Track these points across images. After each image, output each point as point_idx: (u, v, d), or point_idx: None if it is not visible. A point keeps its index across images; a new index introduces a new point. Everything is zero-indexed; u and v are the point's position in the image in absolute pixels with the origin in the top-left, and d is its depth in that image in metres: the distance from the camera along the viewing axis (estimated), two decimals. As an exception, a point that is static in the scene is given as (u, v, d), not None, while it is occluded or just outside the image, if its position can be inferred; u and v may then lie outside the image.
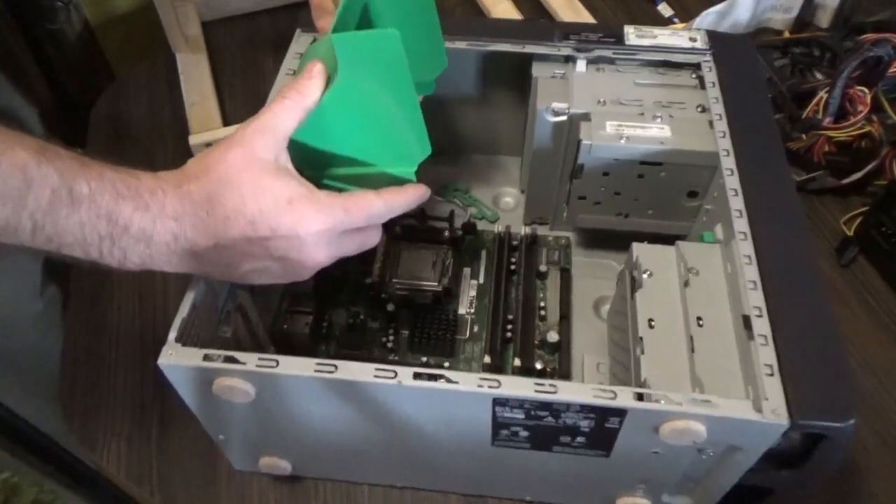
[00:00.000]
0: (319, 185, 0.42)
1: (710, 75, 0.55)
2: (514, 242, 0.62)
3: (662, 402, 0.37)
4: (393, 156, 0.45)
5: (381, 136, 0.45)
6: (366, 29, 0.47)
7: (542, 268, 0.60)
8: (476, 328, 0.57)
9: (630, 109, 0.55)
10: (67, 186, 0.35)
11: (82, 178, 0.36)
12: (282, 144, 0.41)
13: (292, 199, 0.39)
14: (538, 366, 0.54)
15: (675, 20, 0.87)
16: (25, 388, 0.74)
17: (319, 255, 0.41)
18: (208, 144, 0.71)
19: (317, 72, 0.42)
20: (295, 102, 0.41)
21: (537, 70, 0.58)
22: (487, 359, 0.53)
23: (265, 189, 0.39)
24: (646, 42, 0.58)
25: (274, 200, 0.39)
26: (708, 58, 0.57)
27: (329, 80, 0.42)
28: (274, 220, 0.39)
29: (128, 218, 0.37)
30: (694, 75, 0.57)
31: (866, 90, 0.65)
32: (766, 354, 0.39)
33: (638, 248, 0.48)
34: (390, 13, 0.47)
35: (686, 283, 0.45)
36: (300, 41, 0.58)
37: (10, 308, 0.70)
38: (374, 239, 0.45)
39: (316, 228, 0.40)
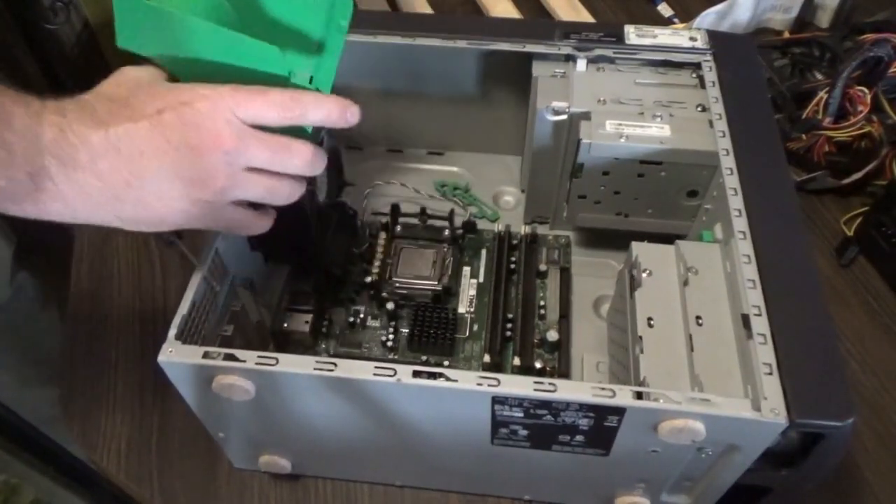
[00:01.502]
0: None
1: (710, 75, 0.56)
2: (514, 241, 0.62)
3: (661, 400, 0.37)
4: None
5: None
6: None
7: (542, 267, 0.60)
8: (476, 327, 0.57)
9: (630, 109, 0.55)
10: None
11: None
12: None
13: (183, 86, 0.37)
14: (538, 365, 0.54)
15: (675, 20, 0.87)
16: (3, 373, 0.74)
17: (228, 139, 0.36)
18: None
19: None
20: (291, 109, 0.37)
21: (537, 69, 0.58)
22: (487, 357, 0.53)
23: (155, 79, 0.38)
24: (646, 41, 0.58)
25: (182, 89, 0.37)
26: (708, 57, 0.57)
27: None
28: (163, 98, 0.36)
29: (8, 110, 0.33)
30: (694, 75, 0.57)
31: (866, 90, 0.65)
32: (764, 353, 0.39)
33: (637, 248, 0.48)
34: None
35: (685, 283, 0.45)
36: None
37: None
38: (294, 189, 0.40)
39: (227, 103, 0.36)
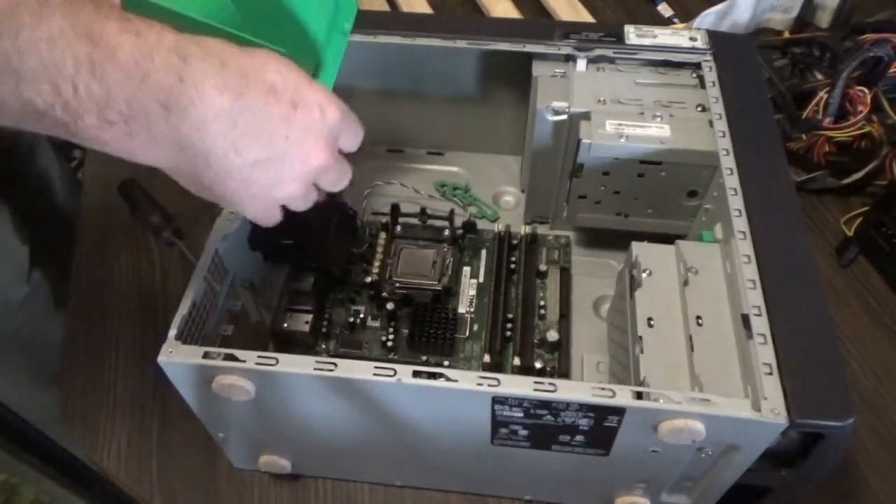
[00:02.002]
0: None
1: (710, 75, 0.56)
2: (514, 241, 0.62)
3: (661, 400, 0.37)
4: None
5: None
6: None
7: (542, 267, 0.60)
8: (476, 327, 0.57)
9: (630, 109, 0.55)
10: None
11: None
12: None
13: (310, 78, 0.36)
14: (538, 365, 0.54)
15: (675, 20, 0.87)
16: (12, 374, 0.74)
17: (320, 151, 0.36)
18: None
19: None
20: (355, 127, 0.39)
21: (537, 69, 0.58)
22: (487, 357, 0.53)
23: (289, 64, 0.35)
24: (646, 41, 0.58)
25: (294, 74, 0.35)
26: (708, 57, 0.57)
27: None
28: (298, 95, 0.34)
29: (115, 40, 0.29)
30: (694, 75, 0.57)
31: (866, 90, 0.65)
32: (764, 353, 0.39)
33: (637, 248, 0.48)
34: None
35: (685, 283, 0.45)
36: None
37: None
38: (348, 174, 0.40)
39: (334, 115, 0.36)
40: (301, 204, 0.39)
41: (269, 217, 0.39)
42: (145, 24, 0.30)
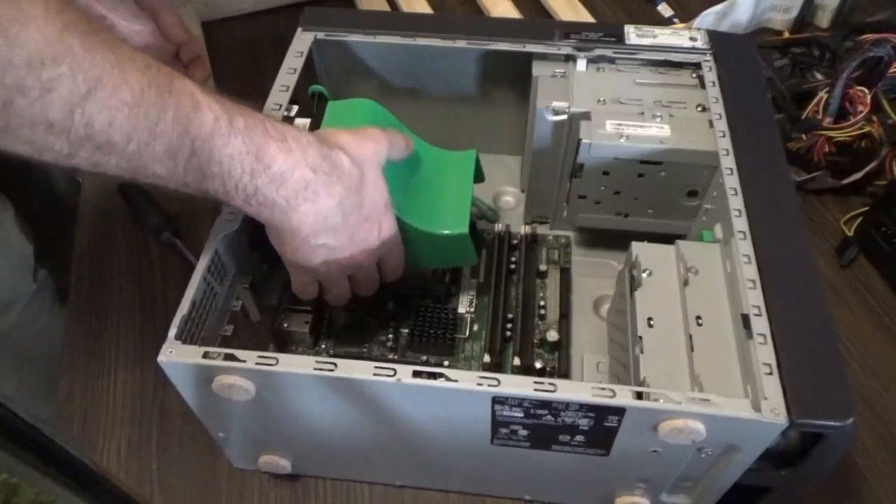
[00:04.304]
0: None
1: (710, 75, 0.56)
2: (514, 241, 0.62)
3: (661, 400, 0.37)
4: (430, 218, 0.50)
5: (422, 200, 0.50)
6: None
7: (542, 267, 0.60)
8: (476, 327, 0.57)
9: (630, 108, 0.55)
10: (228, 117, 0.37)
11: (239, 113, 0.37)
12: (383, 162, 0.46)
13: (388, 205, 0.45)
14: (538, 365, 0.54)
15: (675, 20, 0.87)
16: (18, 370, 0.75)
17: (364, 258, 0.46)
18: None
19: (411, 143, 0.50)
20: (402, 145, 0.48)
21: (537, 69, 0.58)
22: (487, 358, 0.53)
23: (378, 186, 0.44)
24: (646, 41, 0.58)
25: (381, 198, 0.45)
26: (708, 57, 0.57)
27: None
28: (374, 213, 0.44)
29: (272, 157, 0.38)
30: (694, 75, 0.57)
31: (866, 90, 0.65)
32: (764, 353, 0.39)
33: (637, 247, 0.48)
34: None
35: (685, 283, 0.45)
36: (300, 41, 0.58)
37: (4, 287, 0.72)
38: (375, 284, 0.51)
39: (387, 235, 0.46)
40: (331, 286, 0.48)
41: (305, 289, 0.48)
42: (297, 143, 0.40)
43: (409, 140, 0.49)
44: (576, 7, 0.85)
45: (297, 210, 0.41)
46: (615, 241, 0.61)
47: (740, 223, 0.45)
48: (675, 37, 0.58)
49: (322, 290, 0.49)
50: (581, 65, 0.58)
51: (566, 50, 0.57)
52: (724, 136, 0.51)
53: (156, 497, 0.52)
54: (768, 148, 0.50)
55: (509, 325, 0.56)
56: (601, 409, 0.38)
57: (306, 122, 0.52)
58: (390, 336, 0.56)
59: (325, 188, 0.41)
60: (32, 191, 0.80)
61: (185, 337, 0.41)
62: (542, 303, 0.58)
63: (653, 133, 0.53)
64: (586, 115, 0.54)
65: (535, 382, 0.38)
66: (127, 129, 0.33)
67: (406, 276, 0.53)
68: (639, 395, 0.38)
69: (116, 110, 0.32)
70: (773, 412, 0.37)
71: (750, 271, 0.43)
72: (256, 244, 0.53)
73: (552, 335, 0.55)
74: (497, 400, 0.39)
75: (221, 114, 0.36)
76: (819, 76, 0.72)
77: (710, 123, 0.52)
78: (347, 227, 0.43)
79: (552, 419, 0.40)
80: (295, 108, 0.53)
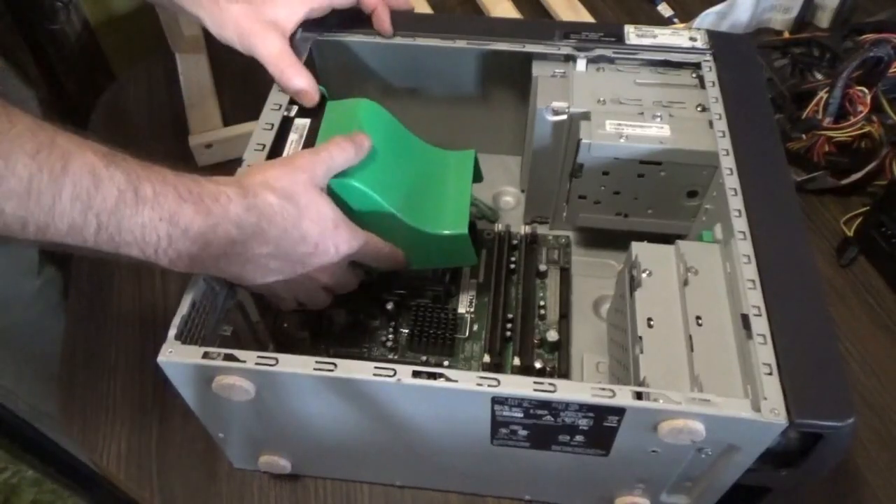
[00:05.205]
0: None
1: (710, 75, 0.56)
2: (514, 241, 0.62)
3: (661, 400, 0.37)
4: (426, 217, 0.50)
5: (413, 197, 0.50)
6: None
7: (542, 267, 0.60)
8: (476, 327, 0.57)
9: (630, 109, 0.55)
10: (133, 188, 0.37)
11: (146, 181, 0.37)
12: (329, 178, 0.46)
13: (337, 223, 0.45)
14: (537, 365, 0.54)
15: (675, 20, 0.87)
16: (21, 365, 0.75)
17: (327, 276, 0.47)
18: (208, 145, 0.71)
19: (367, 140, 0.48)
20: (350, 151, 0.46)
21: (537, 69, 0.58)
22: (487, 358, 0.53)
23: (319, 212, 0.44)
24: (646, 41, 0.58)
25: (324, 222, 0.44)
26: (708, 57, 0.57)
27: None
28: (321, 240, 0.44)
29: (188, 220, 0.38)
30: (694, 75, 0.57)
31: (866, 90, 0.65)
32: (764, 353, 0.39)
33: (637, 248, 0.48)
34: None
35: (685, 283, 0.45)
36: (300, 41, 0.58)
37: (7, 284, 0.72)
38: (355, 283, 0.51)
39: (345, 251, 0.46)
40: (304, 301, 0.50)
41: (281, 304, 0.50)
42: (216, 203, 0.39)
43: (359, 139, 0.47)
44: (576, 7, 0.85)
45: (232, 264, 0.42)
46: (615, 241, 0.61)
47: (740, 223, 0.45)
48: (674, 37, 0.58)
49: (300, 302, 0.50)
50: (581, 65, 0.58)
51: (566, 50, 0.57)
52: (723, 136, 0.51)
53: (156, 497, 0.52)
54: (768, 148, 0.50)
55: (509, 326, 0.56)
56: (601, 410, 0.38)
57: (306, 122, 0.52)
58: (390, 336, 0.56)
59: (255, 238, 0.41)
60: None
61: (185, 337, 0.41)
62: (541, 303, 0.58)
63: (652, 133, 0.53)
64: (586, 115, 0.54)
65: (535, 382, 0.38)
66: (21, 215, 0.34)
67: (406, 275, 0.53)
68: (638, 396, 0.38)
69: (6, 200, 0.33)
70: (773, 412, 0.37)
71: (750, 271, 0.43)
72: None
73: (552, 335, 0.55)
74: (497, 400, 0.39)
75: (126, 185, 0.36)
76: (819, 76, 0.72)
77: (710, 123, 0.52)
78: (294, 262, 0.44)
79: (552, 419, 0.40)
80: (295, 108, 0.53)
